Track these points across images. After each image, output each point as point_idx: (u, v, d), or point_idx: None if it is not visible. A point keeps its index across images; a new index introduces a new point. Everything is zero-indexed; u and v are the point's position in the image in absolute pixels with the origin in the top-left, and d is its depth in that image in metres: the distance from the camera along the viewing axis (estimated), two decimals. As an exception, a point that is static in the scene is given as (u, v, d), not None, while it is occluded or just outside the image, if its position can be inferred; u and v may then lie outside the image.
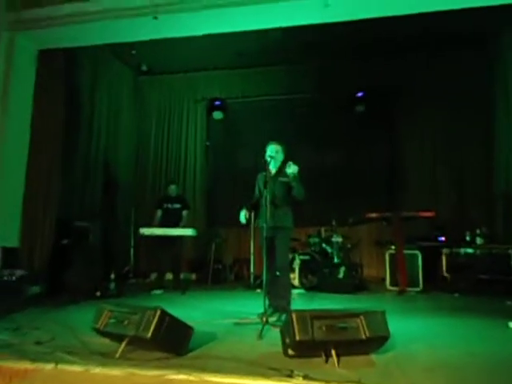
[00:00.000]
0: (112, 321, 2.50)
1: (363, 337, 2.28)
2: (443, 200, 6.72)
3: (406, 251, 5.44)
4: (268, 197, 3.51)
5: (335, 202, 6.71)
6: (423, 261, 5.47)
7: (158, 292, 5.50)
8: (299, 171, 3.57)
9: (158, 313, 2.36)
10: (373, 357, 2.44)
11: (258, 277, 5.91)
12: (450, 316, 3.81)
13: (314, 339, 2.22)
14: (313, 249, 6.13)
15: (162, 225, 5.78)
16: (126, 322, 2.42)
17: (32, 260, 4.75)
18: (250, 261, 6.44)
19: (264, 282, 3.41)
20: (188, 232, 5.64)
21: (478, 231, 5.70)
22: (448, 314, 3.94)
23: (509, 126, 5.97)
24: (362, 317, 2.33)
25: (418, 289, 5.39)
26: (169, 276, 6.02)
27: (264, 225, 3.47)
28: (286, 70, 7.46)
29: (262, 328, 2.96)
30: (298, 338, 2.21)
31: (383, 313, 2.42)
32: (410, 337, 2.90)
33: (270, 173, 3.77)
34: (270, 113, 7.48)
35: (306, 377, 2.04)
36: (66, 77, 5.39)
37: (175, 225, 5.75)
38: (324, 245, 6.11)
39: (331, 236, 6.05)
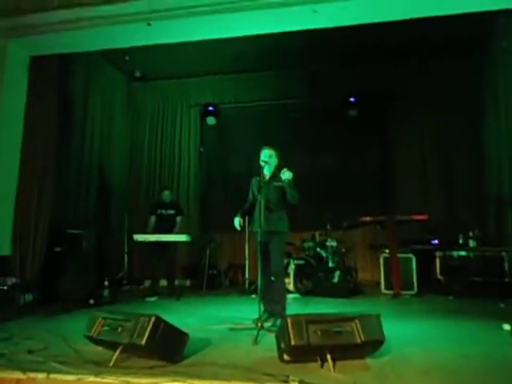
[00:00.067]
0: (105, 328, 2.48)
1: (358, 341, 2.28)
2: (436, 203, 6.77)
3: (400, 255, 5.47)
4: (262, 201, 3.52)
5: (329, 207, 6.72)
6: (417, 264, 5.49)
7: (152, 299, 5.46)
8: (294, 177, 3.59)
9: (153, 319, 2.34)
10: (368, 361, 2.44)
11: (252, 282, 5.90)
12: (445, 319, 3.83)
13: (309, 344, 2.22)
14: (307, 253, 6.14)
15: (155, 231, 5.75)
16: (119, 330, 2.40)
17: (24, 268, 4.70)
18: (245, 266, 6.44)
19: (259, 287, 3.41)
20: (182, 238, 5.61)
21: (470, 234, 5.75)
22: (442, 316, 3.96)
23: (498, 130, 6.04)
24: (356, 321, 2.34)
25: (413, 292, 5.41)
26: (163, 282, 5.98)
27: (258, 230, 3.47)
28: (278, 75, 7.50)
29: (257, 333, 2.95)
30: (293, 342, 2.21)
31: (378, 316, 2.43)
32: (405, 340, 2.91)
33: (264, 178, 3.78)
34: (263, 118, 7.51)
35: (301, 382, 2.04)
36: (58, 83, 5.37)
37: (169, 231, 5.73)
38: (318, 249, 6.12)
39: (326, 240, 6.07)
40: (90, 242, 5.80)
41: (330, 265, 5.87)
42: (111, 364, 2.35)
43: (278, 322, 3.26)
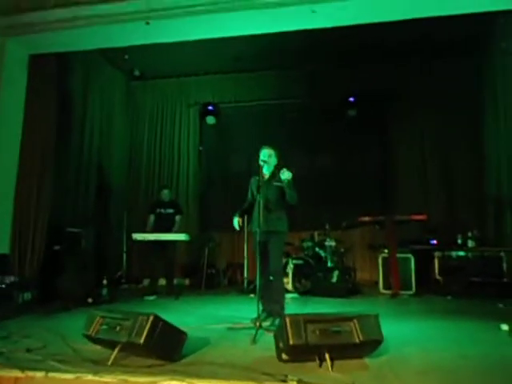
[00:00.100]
0: (104, 327, 2.47)
1: (357, 340, 2.28)
2: (435, 203, 6.78)
3: (398, 255, 5.48)
4: (261, 201, 3.51)
5: (328, 206, 6.73)
6: (416, 264, 5.50)
7: (150, 298, 5.46)
8: (293, 177, 3.58)
9: (151, 318, 2.34)
10: (366, 360, 2.44)
11: (251, 281, 5.90)
12: (443, 319, 3.83)
13: (307, 343, 2.22)
14: (306, 253, 6.14)
15: (154, 230, 5.75)
16: (118, 328, 2.39)
17: (23, 266, 4.69)
18: (244, 265, 6.44)
19: (257, 286, 3.40)
20: (181, 237, 5.61)
21: (469, 234, 5.76)
22: (440, 316, 3.96)
23: (497, 131, 6.05)
24: (355, 320, 2.34)
25: (411, 292, 5.41)
26: (162, 281, 5.98)
27: (257, 229, 3.47)
28: (278, 75, 7.50)
29: (256, 333, 2.95)
30: (291, 342, 2.21)
31: (376, 316, 2.43)
32: (403, 340, 2.91)
33: (264, 177, 3.78)
34: (262, 118, 7.51)
35: (300, 381, 2.04)
36: (57, 81, 5.36)
37: (168, 230, 5.72)
38: (317, 249, 6.12)
39: (324, 240, 6.07)
40: (88, 240, 5.80)
41: (329, 265, 5.87)
42: (109, 363, 2.35)
43: (277, 321, 3.26)
